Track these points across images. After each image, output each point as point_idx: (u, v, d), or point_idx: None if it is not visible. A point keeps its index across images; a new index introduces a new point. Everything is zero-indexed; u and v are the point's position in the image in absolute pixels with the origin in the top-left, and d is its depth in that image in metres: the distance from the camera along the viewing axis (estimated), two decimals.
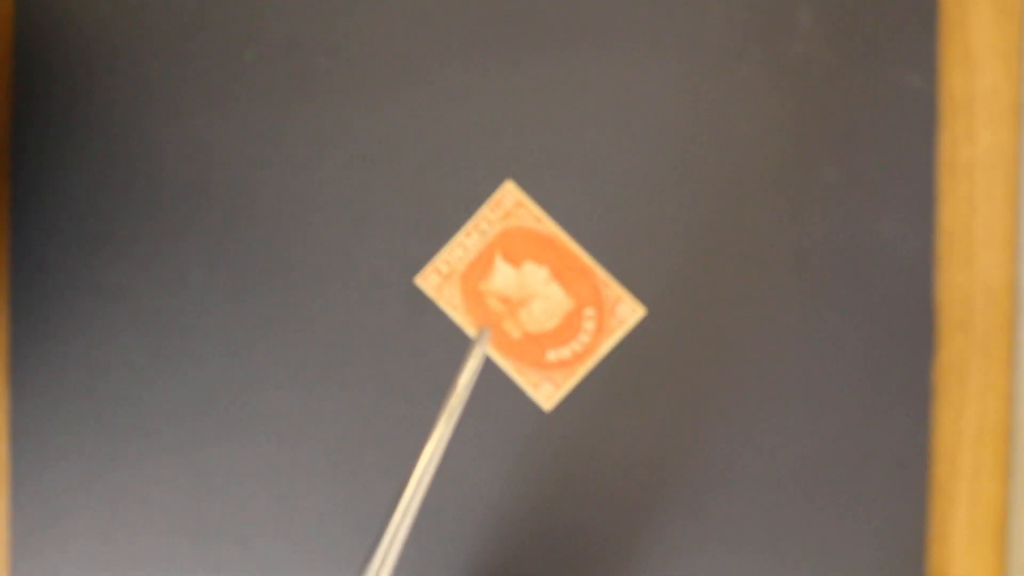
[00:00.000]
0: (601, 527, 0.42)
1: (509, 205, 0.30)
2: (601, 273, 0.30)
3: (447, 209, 0.41)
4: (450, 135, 0.41)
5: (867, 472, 0.42)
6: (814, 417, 0.42)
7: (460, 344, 0.40)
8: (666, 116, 0.42)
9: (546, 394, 0.30)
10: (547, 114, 0.41)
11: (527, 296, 0.30)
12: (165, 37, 0.42)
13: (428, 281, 0.30)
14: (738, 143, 0.41)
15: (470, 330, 0.30)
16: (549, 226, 0.30)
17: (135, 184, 0.42)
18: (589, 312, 0.30)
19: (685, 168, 0.41)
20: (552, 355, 0.30)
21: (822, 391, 0.42)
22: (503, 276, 0.30)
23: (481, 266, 0.30)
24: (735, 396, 0.42)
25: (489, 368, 0.31)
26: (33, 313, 0.42)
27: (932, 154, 0.42)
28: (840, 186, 0.41)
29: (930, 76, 0.41)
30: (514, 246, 0.30)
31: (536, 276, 0.30)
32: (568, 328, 0.30)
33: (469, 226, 0.30)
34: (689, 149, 0.42)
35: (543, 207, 0.41)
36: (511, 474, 0.41)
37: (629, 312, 0.30)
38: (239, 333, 0.41)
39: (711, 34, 0.41)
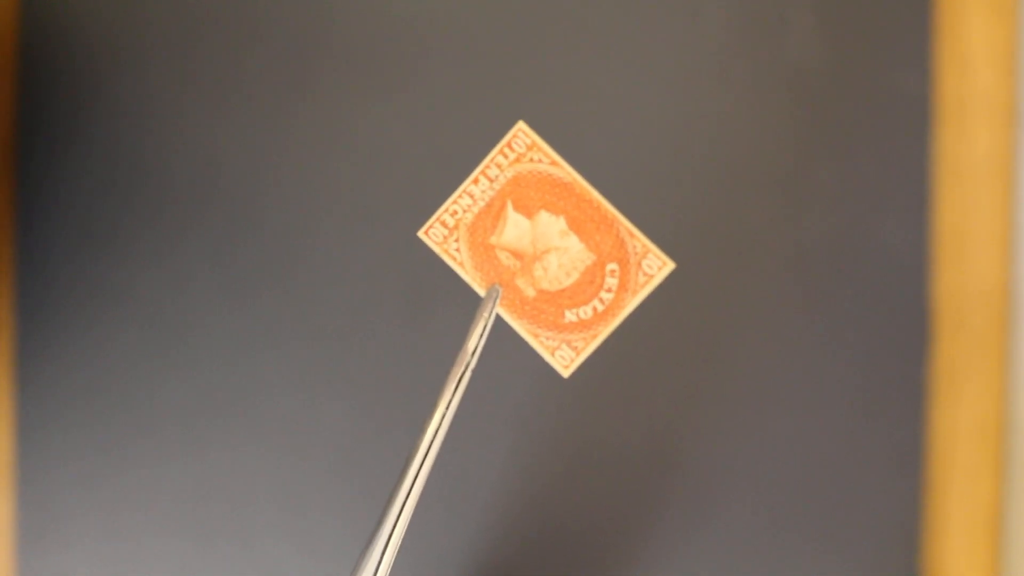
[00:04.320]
0: (596, 527, 0.42)
1: (521, 148, 0.27)
2: (625, 223, 0.27)
3: None
4: (453, 137, 0.41)
5: (863, 471, 0.41)
6: (810, 416, 0.41)
7: (464, 343, 0.40)
8: (663, 118, 0.41)
9: (564, 360, 0.27)
10: (547, 117, 0.41)
11: (542, 249, 0.27)
12: (168, 40, 0.41)
13: (432, 234, 0.27)
14: (735, 145, 0.41)
15: (479, 288, 0.27)
16: (566, 170, 0.27)
17: (139, 186, 0.41)
18: (612, 267, 0.27)
19: (682, 169, 0.41)
20: (571, 315, 0.27)
21: (818, 390, 0.41)
22: (515, 228, 0.27)
23: (490, 217, 0.27)
24: (730, 395, 0.42)
25: (500, 331, 0.28)
26: (38, 315, 0.42)
27: (928, 156, 0.41)
28: (837, 188, 0.41)
29: (926, 78, 0.41)
30: (527, 194, 0.27)
31: (552, 227, 0.27)
32: (589, 285, 0.27)
33: (477, 172, 0.27)
34: (686, 151, 0.41)
35: None
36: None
37: (657, 266, 0.27)
38: (243, 335, 0.41)
39: (708, 35, 0.41)
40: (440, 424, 0.26)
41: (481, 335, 0.26)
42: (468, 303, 0.40)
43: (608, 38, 0.41)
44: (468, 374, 0.26)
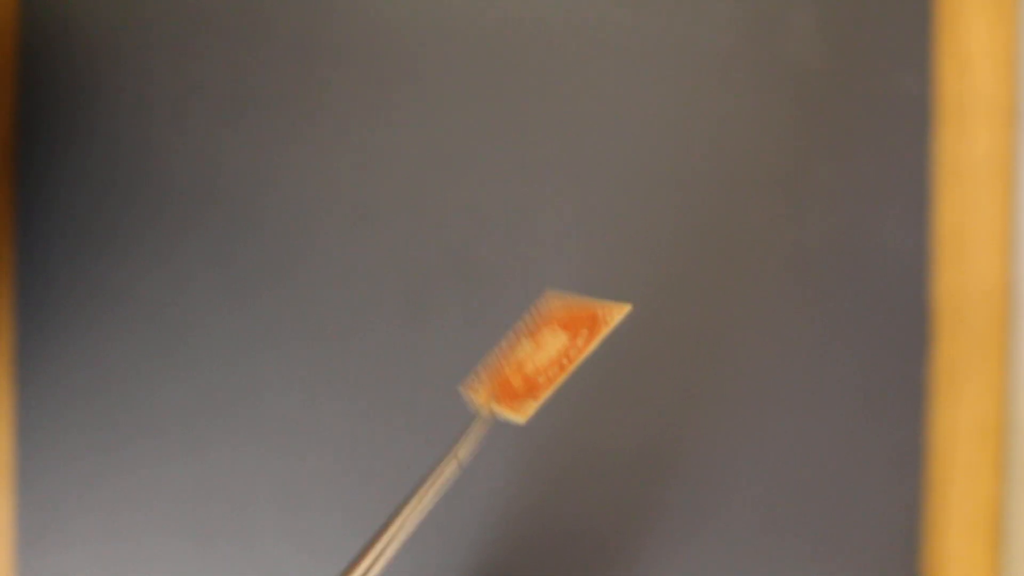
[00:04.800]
0: (596, 528, 0.42)
1: (547, 310, 0.30)
2: (603, 306, 0.30)
3: (449, 213, 0.41)
4: (452, 140, 0.41)
5: (863, 470, 0.41)
6: (811, 416, 0.41)
7: (461, 349, 0.40)
8: (665, 118, 0.41)
9: (526, 410, 0.29)
10: (548, 117, 0.41)
11: (539, 353, 0.30)
12: (168, 40, 0.41)
13: (472, 388, 0.30)
14: (736, 145, 0.41)
15: (484, 412, 0.29)
16: (579, 306, 0.30)
17: (140, 187, 0.41)
18: (583, 333, 0.29)
19: (684, 169, 0.41)
20: (541, 379, 0.29)
21: (819, 390, 0.41)
22: (523, 350, 0.30)
23: (512, 359, 0.30)
24: (732, 395, 0.42)
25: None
26: (38, 315, 0.42)
27: (928, 156, 0.41)
28: (837, 188, 0.41)
29: (926, 79, 0.41)
30: (542, 330, 0.30)
31: (553, 339, 0.30)
32: (563, 356, 0.29)
33: (514, 332, 0.30)
34: (688, 151, 0.41)
35: (543, 208, 0.41)
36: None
37: (616, 315, 0.29)
38: (243, 336, 0.41)
39: (709, 36, 0.41)
40: (412, 515, 0.27)
41: (471, 447, 0.29)
42: (467, 304, 0.40)
43: (609, 38, 0.41)
44: (453, 478, 0.28)
